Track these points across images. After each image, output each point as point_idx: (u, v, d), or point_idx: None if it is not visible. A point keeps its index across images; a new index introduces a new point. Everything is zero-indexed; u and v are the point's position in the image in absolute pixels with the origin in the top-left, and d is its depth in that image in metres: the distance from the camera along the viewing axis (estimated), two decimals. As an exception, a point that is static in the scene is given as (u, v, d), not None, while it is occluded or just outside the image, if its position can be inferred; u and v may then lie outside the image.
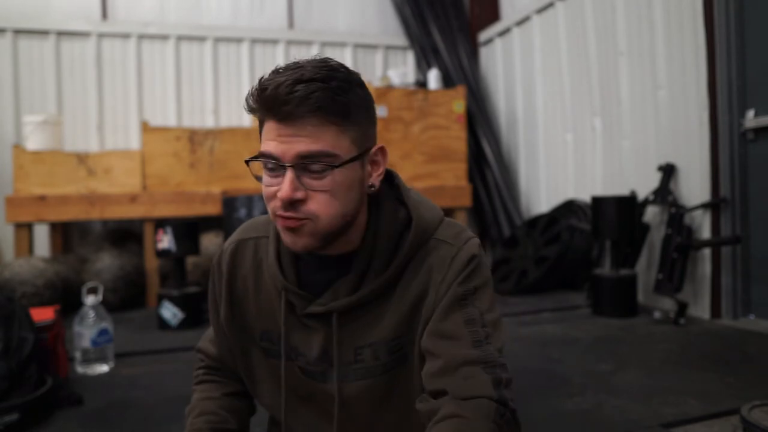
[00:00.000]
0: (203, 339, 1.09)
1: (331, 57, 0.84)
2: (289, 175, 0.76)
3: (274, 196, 0.78)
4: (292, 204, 0.77)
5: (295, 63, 0.79)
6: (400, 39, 5.33)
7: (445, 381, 0.79)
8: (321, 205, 0.77)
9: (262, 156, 0.79)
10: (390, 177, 0.93)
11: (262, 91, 0.76)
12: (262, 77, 0.78)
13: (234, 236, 0.99)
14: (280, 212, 0.78)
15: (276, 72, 0.78)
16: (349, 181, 0.78)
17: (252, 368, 0.99)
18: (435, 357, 0.81)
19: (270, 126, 0.78)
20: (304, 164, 0.76)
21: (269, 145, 0.77)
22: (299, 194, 0.76)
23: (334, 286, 0.86)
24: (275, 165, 0.77)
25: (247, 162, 0.82)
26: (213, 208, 3.89)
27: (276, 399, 0.98)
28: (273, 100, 0.75)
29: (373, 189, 0.84)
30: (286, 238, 0.81)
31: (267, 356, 0.96)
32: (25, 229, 3.77)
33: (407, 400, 0.89)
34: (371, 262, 0.85)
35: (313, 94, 0.74)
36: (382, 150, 0.86)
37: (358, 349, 0.88)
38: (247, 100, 0.80)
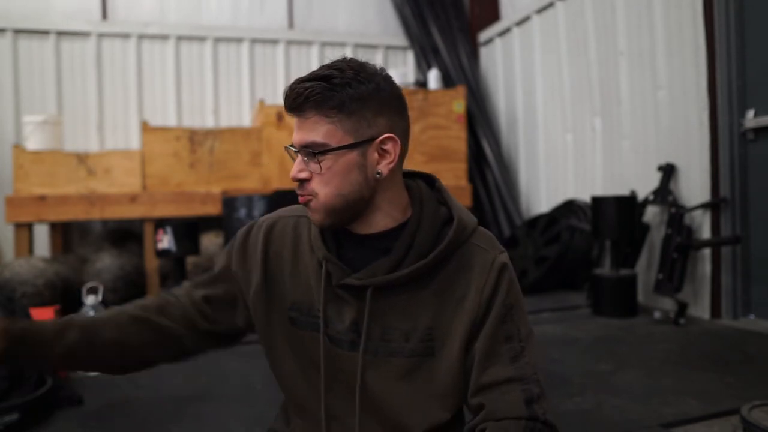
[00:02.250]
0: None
1: (331, 57, 0.95)
2: (298, 158, 0.92)
3: None
4: (300, 183, 0.92)
5: (324, 64, 0.92)
6: (400, 39, 5.33)
7: (484, 397, 0.91)
8: (319, 185, 0.90)
9: (290, 145, 0.94)
10: (431, 180, 1.03)
11: (284, 90, 0.91)
12: None
13: (273, 214, 1.08)
14: (297, 190, 0.93)
15: (320, 68, 0.92)
16: (343, 166, 0.89)
17: (274, 336, 1.02)
18: (478, 373, 0.92)
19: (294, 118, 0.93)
20: (305, 151, 0.90)
21: (293, 134, 0.92)
22: (302, 174, 0.91)
23: (372, 264, 0.93)
24: (294, 150, 0.93)
25: (286, 149, 0.97)
26: (213, 208, 3.89)
27: (292, 366, 1.01)
28: (284, 97, 0.90)
29: (380, 176, 0.91)
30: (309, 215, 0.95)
31: (293, 325, 1.00)
32: (25, 229, 3.77)
33: (425, 391, 0.94)
34: (411, 247, 0.93)
35: (308, 92, 0.86)
36: (392, 140, 0.91)
37: (387, 328, 0.94)
38: None
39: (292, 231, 1.03)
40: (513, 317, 0.93)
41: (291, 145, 0.93)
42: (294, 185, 0.95)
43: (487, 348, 0.91)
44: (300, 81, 0.88)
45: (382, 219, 0.94)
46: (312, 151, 0.88)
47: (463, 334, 0.92)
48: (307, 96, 0.86)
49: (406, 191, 0.97)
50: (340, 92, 0.86)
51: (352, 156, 0.89)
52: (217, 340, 1.08)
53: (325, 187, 0.89)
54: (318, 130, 0.88)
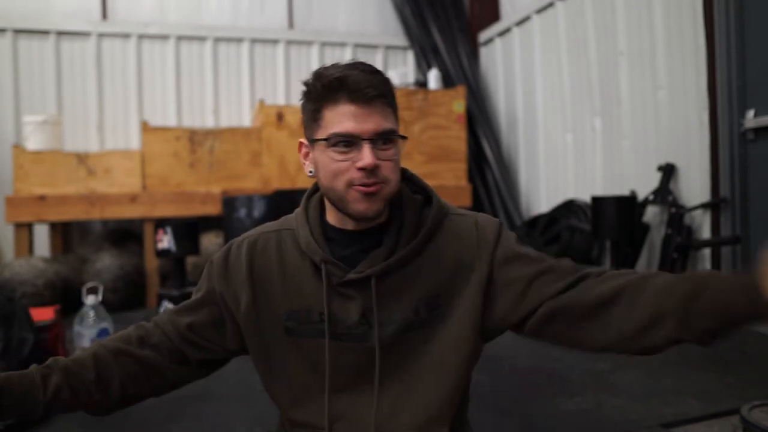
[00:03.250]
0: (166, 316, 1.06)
1: (331, 57, 0.95)
2: (368, 146, 0.90)
3: (348, 168, 0.91)
4: (373, 171, 0.90)
5: (340, 63, 0.94)
6: (400, 39, 5.33)
7: (580, 274, 0.95)
8: (390, 171, 0.93)
9: (339, 135, 0.90)
10: (402, 170, 1.05)
11: (339, 80, 0.89)
12: (320, 71, 0.93)
13: (252, 232, 1.06)
14: (362, 180, 0.90)
15: (333, 67, 0.92)
16: (400, 152, 0.96)
17: (269, 351, 1.01)
18: (551, 279, 0.95)
19: (343, 110, 0.90)
20: (377, 138, 0.91)
21: (346, 125, 0.90)
22: (378, 162, 0.91)
23: (369, 257, 0.97)
24: (352, 140, 0.90)
25: (312, 142, 0.95)
26: (213, 208, 3.89)
27: (290, 378, 1.01)
28: (355, 87, 0.89)
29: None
30: (361, 205, 0.92)
31: (290, 335, 1.00)
32: (25, 229, 3.77)
33: (442, 357, 0.97)
34: (400, 234, 0.98)
35: (380, 83, 0.91)
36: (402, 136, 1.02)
37: (395, 310, 0.97)
38: (313, 88, 0.92)
39: (275, 245, 1.03)
40: (522, 256, 0.98)
41: (348, 135, 0.90)
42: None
43: (531, 270, 0.96)
44: (369, 71, 0.91)
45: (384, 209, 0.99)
46: (397, 136, 0.93)
47: (473, 290, 0.97)
48: (378, 87, 0.90)
49: None
50: (391, 87, 0.94)
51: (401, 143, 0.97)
52: (209, 367, 1.08)
53: (395, 171, 0.94)
54: (389, 118, 0.93)
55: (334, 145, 0.91)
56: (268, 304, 1.01)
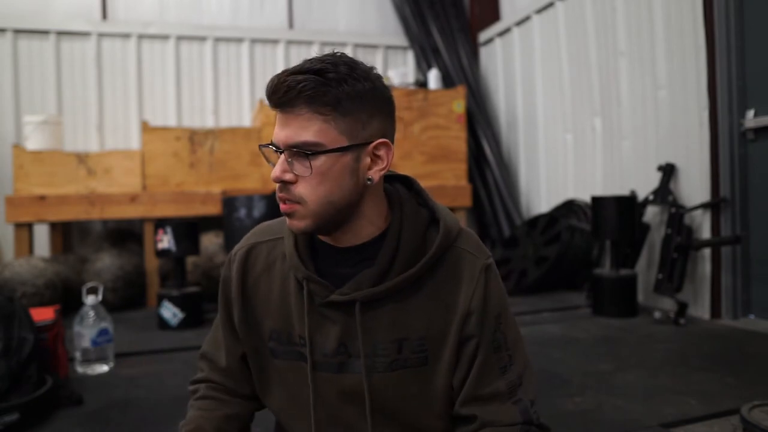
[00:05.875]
0: (209, 345, 1.05)
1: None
2: (281, 158, 0.83)
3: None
4: (283, 185, 0.83)
5: (312, 58, 0.84)
6: (400, 39, 5.33)
7: (478, 409, 0.89)
8: (306, 189, 0.82)
9: (269, 143, 0.85)
10: (409, 182, 0.97)
11: (269, 82, 0.83)
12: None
13: (246, 240, 1.00)
14: (278, 195, 0.85)
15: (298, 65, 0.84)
16: (335, 170, 0.82)
17: (263, 369, 0.98)
18: (471, 384, 0.90)
19: (277, 114, 0.85)
20: (293, 151, 0.82)
21: (275, 131, 0.84)
22: (288, 176, 0.83)
23: (357, 277, 0.88)
24: (275, 149, 0.84)
25: (260, 148, 0.89)
26: (213, 208, 3.89)
27: (282, 404, 0.97)
28: (271, 90, 0.82)
29: (371, 182, 0.86)
30: (287, 221, 0.87)
31: (274, 357, 0.95)
32: (25, 229, 3.76)
33: (423, 402, 0.91)
34: (396, 256, 0.87)
35: (301, 85, 0.78)
36: (385, 145, 0.86)
37: (378, 342, 0.89)
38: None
39: (265, 257, 0.97)
40: (501, 326, 0.91)
41: (270, 144, 0.85)
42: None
43: (480, 359, 0.89)
44: (289, 73, 0.80)
45: (367, 227, 0.89)
46: (303, 152, 0.80)
47: (453, 340, 0.89)
48: (300, 90, 0.78)
49: (385, 196, 0.93)
50: (336, 88, 0.79)
51: (347, 159, 0.82)
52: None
53: (314, 191, 0.82)
54: (310, 129, 0.80)
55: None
56: (255, 322, 0.96)
